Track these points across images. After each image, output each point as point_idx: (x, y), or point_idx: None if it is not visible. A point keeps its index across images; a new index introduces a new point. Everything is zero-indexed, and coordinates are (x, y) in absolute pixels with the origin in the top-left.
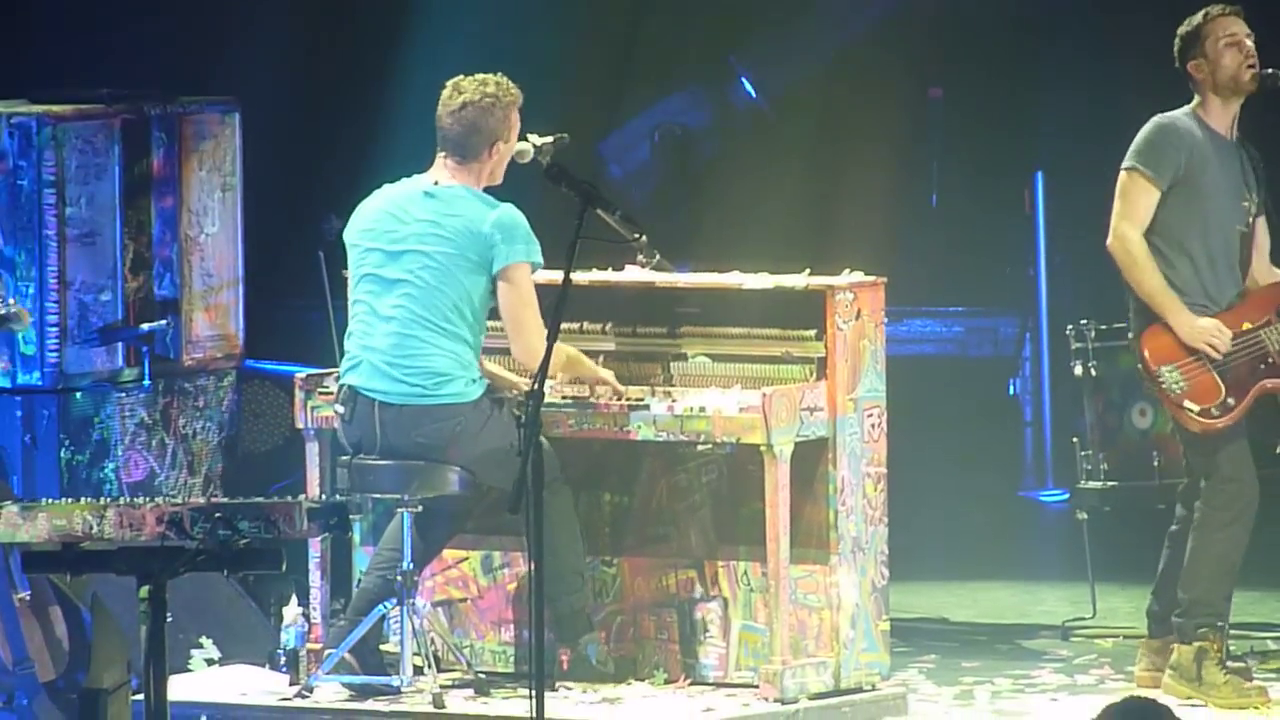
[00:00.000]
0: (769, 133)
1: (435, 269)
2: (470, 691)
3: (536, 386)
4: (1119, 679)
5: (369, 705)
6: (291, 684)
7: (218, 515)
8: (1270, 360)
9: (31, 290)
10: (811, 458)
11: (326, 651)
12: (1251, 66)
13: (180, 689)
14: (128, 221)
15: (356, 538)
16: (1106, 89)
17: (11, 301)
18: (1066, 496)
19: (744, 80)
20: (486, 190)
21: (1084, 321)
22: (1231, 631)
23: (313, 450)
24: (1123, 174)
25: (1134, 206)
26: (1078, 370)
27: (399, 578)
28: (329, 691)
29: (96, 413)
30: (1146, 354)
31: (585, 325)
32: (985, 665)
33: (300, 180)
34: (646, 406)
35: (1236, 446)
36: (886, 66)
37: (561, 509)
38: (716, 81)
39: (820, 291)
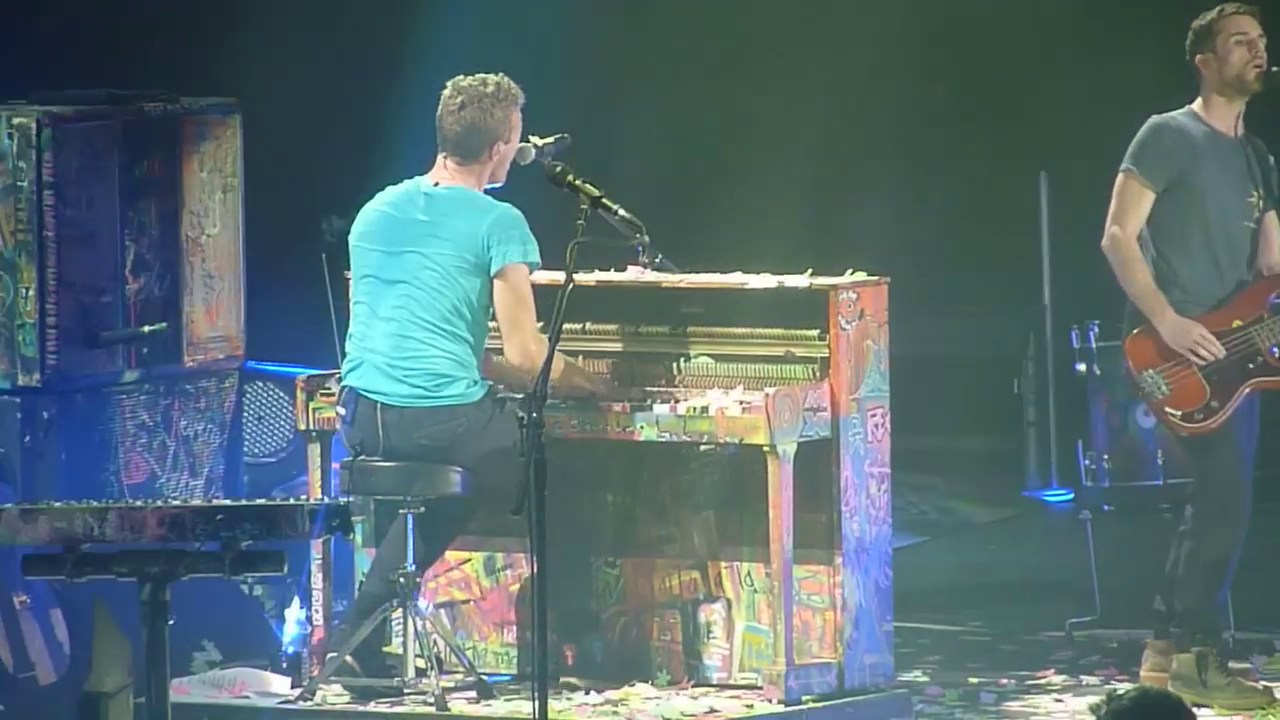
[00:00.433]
0: (772, 130)
1: (434, 270)
2: (473, 693)
3: (539, 387)
4: (1124, 679)
5: (371, 707)
6: (294, 686)
7: (219, 517)
8: (1260, 359)
9: (31, 292)
10: (815, 458)
11: (329, 654)
12: (1258, 66)
13: (181, 692)
14: (128, 223)
15: (359, 539)
16: (1113, 87)
17: None
18: (1070, 496)
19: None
20: (489, 190)
21: (1088, 321)
22: (1237, 634)
23: (314, 452)
24: (1119, 176)
25: (1127, 208)
26: (1082, 370)
27: (401, 579)
28: (331, 694)
29: (97, 415)
30: (1129, 359)
31: (588, 326)
32: (989, 666)
33: (301, 181)
34: (649, 407)
35: (1227, 450)
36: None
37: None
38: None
39: (823, 291)
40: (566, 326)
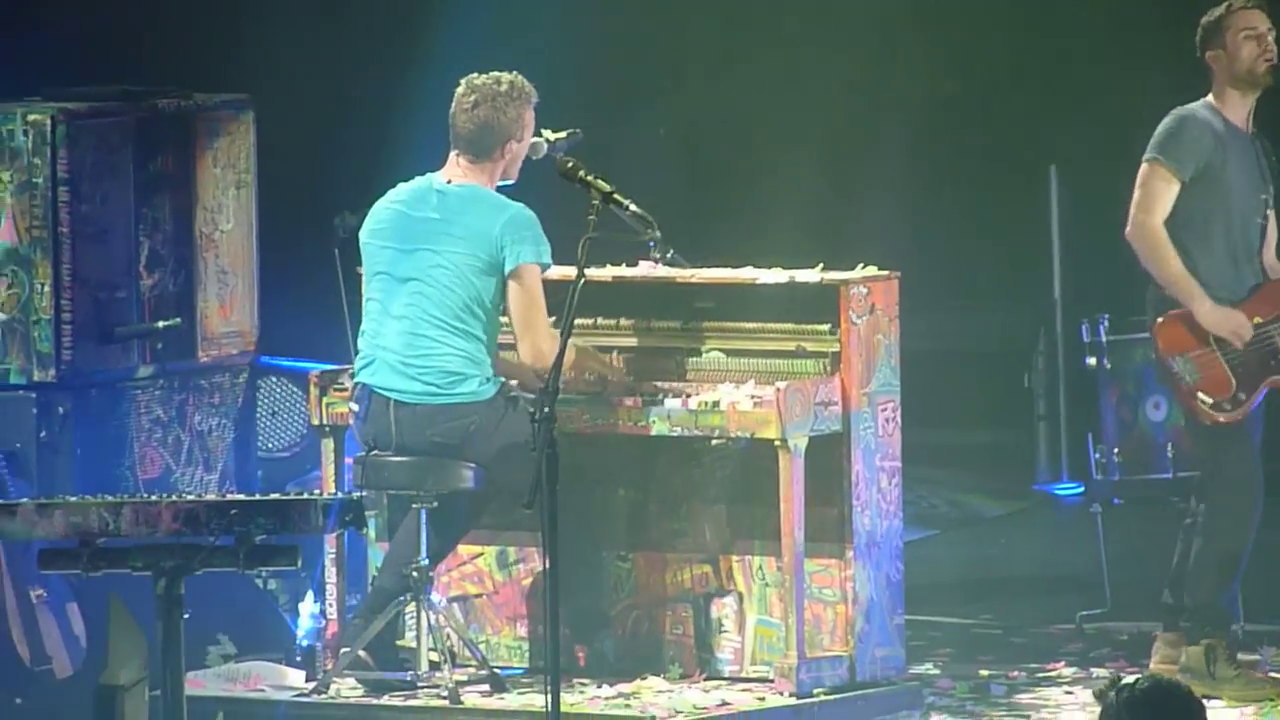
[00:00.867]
0: (783, 125)
1: (447, 269)
2: (486, 687)
3: (551, 383)
4: (1134, 671)
5: (385, 701)
6: (308, 680)
7: (234, 512)
8: None
9: (47, 288)
10: (826, 452)
11: (342, 648)
12: (1269, 60)
13: (197, 685)
14: (142, 219)
15: (372, 534)
16: (1122, 83)
17: None
18: (1081, 490)
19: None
20: (501, 188)
21: (1098, 315)
22: (1246, 626)
23: (328, 447)
24: (1144, 165)
25: (1153, 197)
26: (1092, 364)
27: (414, 574)
28: (345, 687)
29: (112, 410)
30: (1160, 344)
31: (599, 320)
32: (1000, 659)
33: (315, 177)
34: (661, 402)
35: (1242, 446)
36: (902, 60)
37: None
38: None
39: (834, 286)
40: (578, 322)
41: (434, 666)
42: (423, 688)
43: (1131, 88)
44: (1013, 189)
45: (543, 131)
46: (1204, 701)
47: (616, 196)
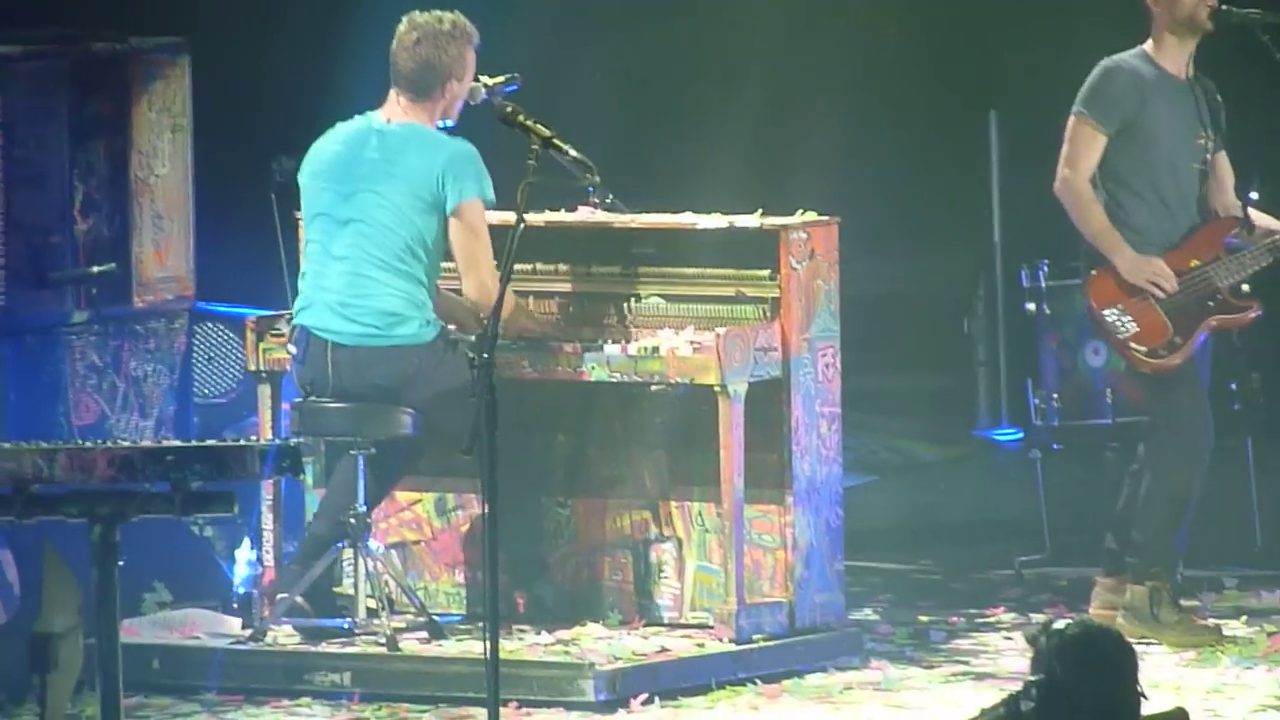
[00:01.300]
0: (722, 70)
1: (388, 208)
2: (424, 634)
3: (490, 328)
4: (1073, 617)
5: (323, 648)
6: (244, 627)
7: (170, 458)
8: (1219, 297)
9: None
10: (765, 398)
11: (279, 595)
12: (1210, 5)
13: (132, 632)
14: (77, 163)
15: (309, 480)
16: (1063, 27)
17: None
18: (1020, 435)
19: None
20: (440, 130)
21: (1037, 260)
22: (1186, 571)
23: (265, 393)
24: (1071, 118)
25: (1079, 151)
26: (1031, 309)
27: (352, 519)
28: (282, 635)
29: (47, 356)
30: (1091, 298)
31: (538, 266)
32: (939, 604)
33: (251, 121)
34: (600, 348)
35: (1189, 388)
36: (841, 3)
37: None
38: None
39: (774, 232)
40: (517, 267)
41: (372, 613)
42: (360, 635)
43: (1071, 32)
44: (952, 134)
45: (480, 77)
46: (1144, 646)
47: (556, 141)
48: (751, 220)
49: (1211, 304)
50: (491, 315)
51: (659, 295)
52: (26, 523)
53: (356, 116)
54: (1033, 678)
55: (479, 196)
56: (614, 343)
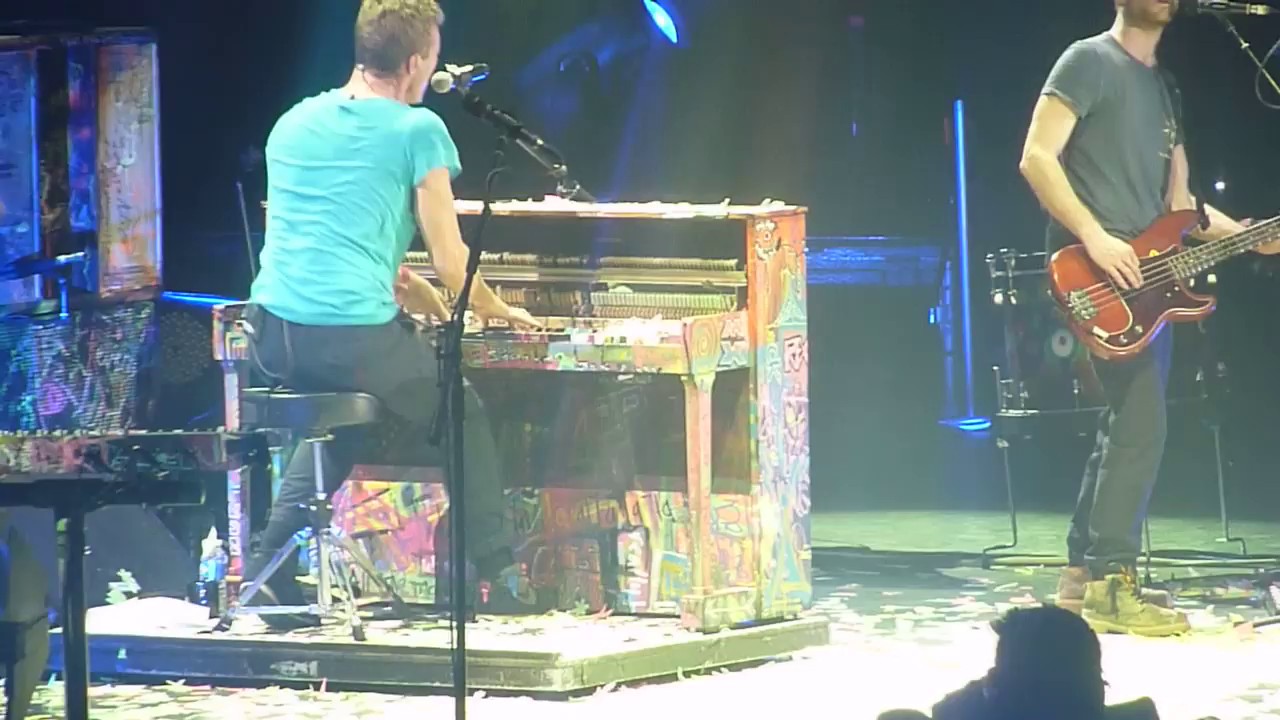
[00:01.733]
0: (688, 61)
1: (354, 185)
2: (391, 623)
3: (456, 316)
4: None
5: (289, 638)
6: (211, 617)
7: (136, 448)
8: (1177, 288)
9: None
10: (732, 387)
11: (245, 584)
12: (1163, 1)
13: (99, 622)
14: (44, 153)
15: (276, 469)
16: (1029, 16)
17: None
18: (987, 425)
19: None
20: None
21: (1004, 250)
22: (1152, 560)
23: (231, 382)
24: (1042, 98)
25: (1048, 130)
26: (998, 299)
27: (313, 507)
28: (248, 624)
29: (13, 345)
30: (1056, 278)
31: (505, 256)
32: (907, 594)
33: (218, 111)
34: (567, 337)
35: (1145, 377)
36: None
37: (479, 448)
38: (630, 12)
39: (741, 221)
40: (484, 256)
41: (336, 601)
42: (327, 624)
43: (1038, 22)
44: (918, 123)
45: (448, 66)
46: (1109, 636)
47: (523, 131)
48: (718, 210)
49: (1169, 295)
50: (458, 303)
51: (626, 285)
52: None
53: (322, 94)
54: (995, 664)
55: (444, 165)
56: (581, 332)
